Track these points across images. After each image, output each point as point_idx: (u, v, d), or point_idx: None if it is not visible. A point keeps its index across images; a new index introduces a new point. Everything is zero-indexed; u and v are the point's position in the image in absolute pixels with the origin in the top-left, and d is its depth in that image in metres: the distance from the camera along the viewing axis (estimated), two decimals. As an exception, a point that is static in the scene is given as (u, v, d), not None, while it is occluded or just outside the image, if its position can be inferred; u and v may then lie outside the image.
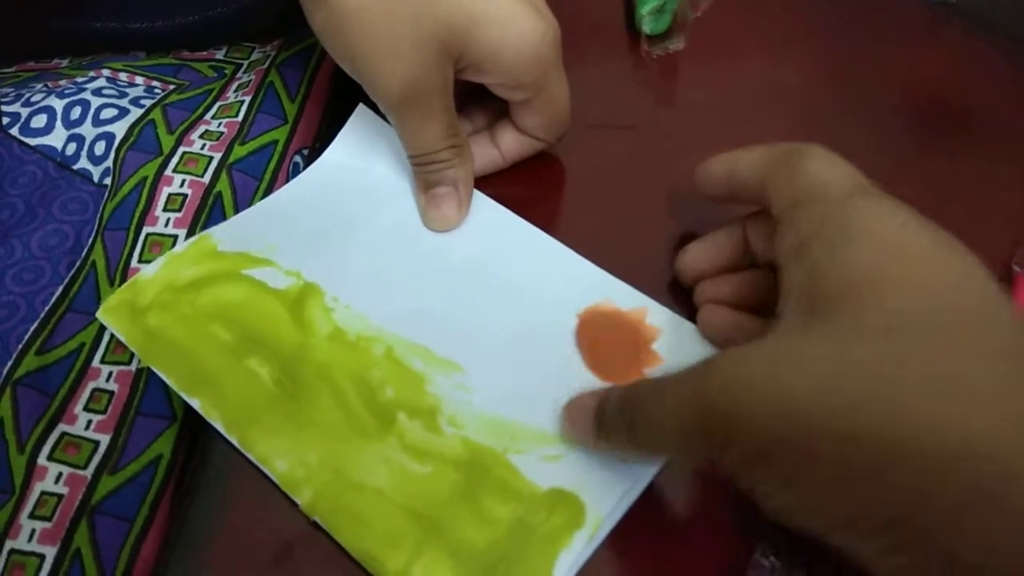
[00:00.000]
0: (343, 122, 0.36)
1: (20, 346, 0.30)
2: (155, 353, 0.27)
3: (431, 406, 0.26)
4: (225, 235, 0.30)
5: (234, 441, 0.25)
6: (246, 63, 0.42)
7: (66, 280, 0.32)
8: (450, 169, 0.31)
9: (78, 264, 0.32)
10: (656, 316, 0.29)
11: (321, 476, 0.25)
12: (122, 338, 0.27)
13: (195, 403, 0.26)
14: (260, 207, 0.32)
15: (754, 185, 0.26)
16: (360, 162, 0.35)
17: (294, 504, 0.25)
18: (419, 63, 0.28)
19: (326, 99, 0.40)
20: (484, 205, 0.33)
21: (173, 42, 0.43)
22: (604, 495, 0.24)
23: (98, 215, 0.33)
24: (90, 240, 0.33)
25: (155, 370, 0.26)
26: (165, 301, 0.28)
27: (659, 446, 0.23)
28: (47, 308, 0.31)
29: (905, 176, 0.37)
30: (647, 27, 0.41)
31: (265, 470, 0.25)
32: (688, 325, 0.29)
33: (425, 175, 0.32)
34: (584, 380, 0.27)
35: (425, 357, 0.28)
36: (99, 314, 0.27)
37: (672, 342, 0.28)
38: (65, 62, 0.42)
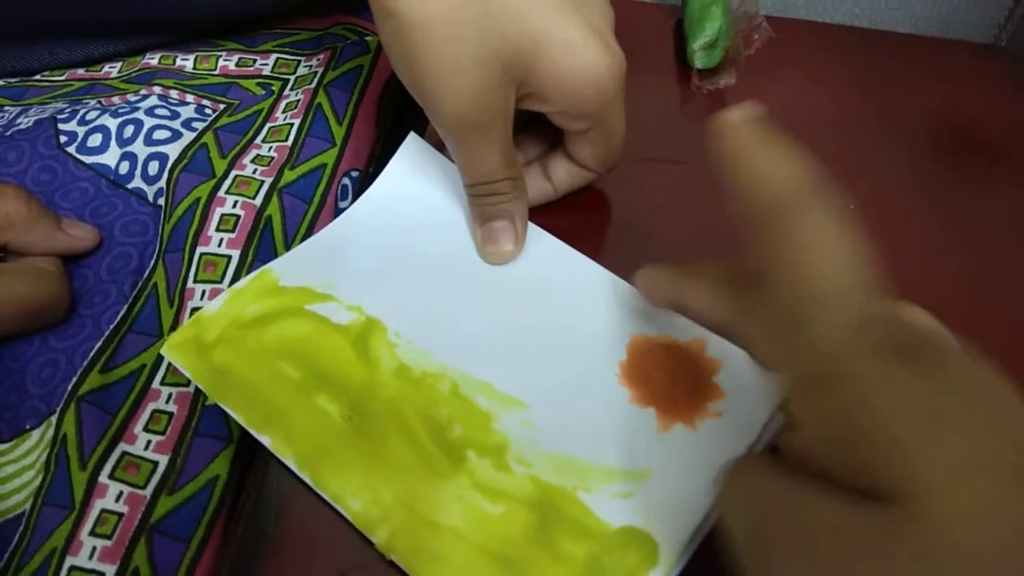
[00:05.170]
0: (397, 143, 0.38)
1: (85, 363, 0.32)
2: (223, 390, 0.28)
3: (499, 444, 0.28)
4: (285, 269, 0.32)
5: (306, 479, 0.27)
6: (292, 79, 0.44)
7: (129, 300, 0.34)
8: (507, 202, 0.33)
9: (140, 285, 0.34)
10: (715, 348, 0.30)
11: (396, 515, 0.26)
12: (188, 375, 0.28)
13: (265, 440, 0.27)
14: (316, 240, 0.34)
15: (716, 325, 0.26)
16: (412, 192, 0.36)
17: (350, 526, 0.27)
18: (482, 83, 0.29)
19: (376, 121, 0.42)
20: (539, 237, 0.35)
21: (207, 14, 0.44)
22: (676, 532, 0.26)
23: (158, 236, 0.36)
24: (152, 262, 0.35)
25: (224, 408, 0.28)
26: (231, 337, 0.29)
27: None
28: (111, 327, 0.33)
29: (947, 213, 0.39)
30: (698, 62, 0.43)
31: (339, 508, 0.27)
32: (749, 356, 0.30)
33: (482, 207, 0.34)
34: (645, 415, 0.29)
35: (489, 394, 0.29)
36: (164, 351, 0.29)
37: (733, 374, 0.30)
38: (114, 70, 0.45)
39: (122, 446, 0.31)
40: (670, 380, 0.30)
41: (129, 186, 0.38)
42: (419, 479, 0.27)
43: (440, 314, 0.32)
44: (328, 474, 0.27)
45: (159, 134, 0.39)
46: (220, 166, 0.38)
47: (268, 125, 0.40)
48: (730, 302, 0.25)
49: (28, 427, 0.32)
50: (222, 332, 0.30)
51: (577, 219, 0.38)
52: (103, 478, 0.30)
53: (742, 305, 0.24)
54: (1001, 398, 0.18)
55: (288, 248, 0.36)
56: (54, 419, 0.31)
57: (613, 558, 0.26)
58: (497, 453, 0.28)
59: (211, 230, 0.35)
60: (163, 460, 0.31)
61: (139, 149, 0.39)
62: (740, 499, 0.21)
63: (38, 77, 0.45)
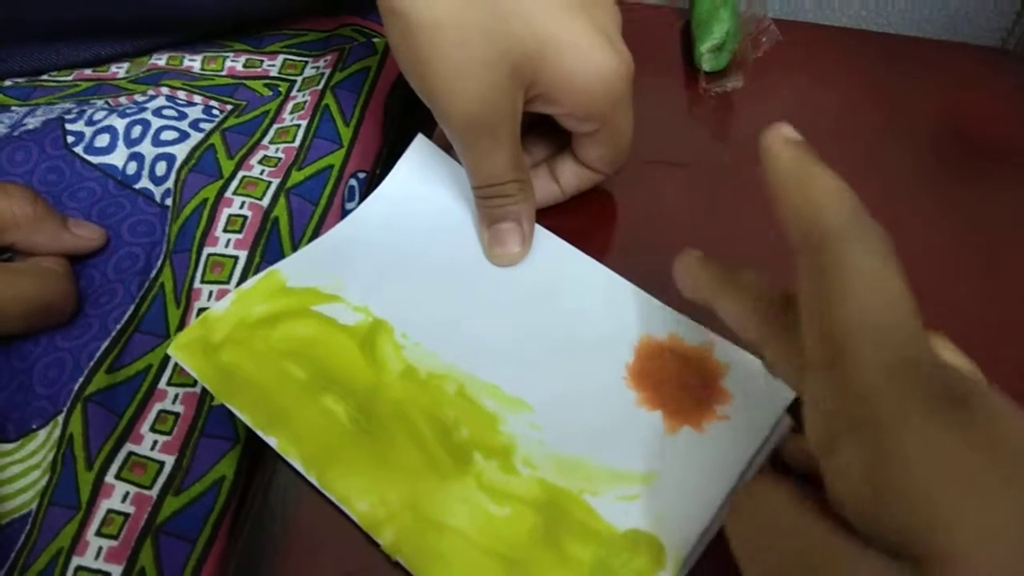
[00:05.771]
0: (404, 144, 0.38)
1: (92, 363, 0.32)
2: (230, 390, 0.28)
3: (505, 446, 0.28)
4: (293, 270, 0.32)
5: (312, 480, 0.27)
6: (300, 80, 0.44)
7: (136, 300, 0.34)
8: (514, 204, 0.33)
9: (147, 285, 0.35)
10: (722, 351, 0.30)
11: (402, 516, 0.26)
12: (195, 375, 0.28)
13: (272, 441, 0.27)
14: (323, 241, 0.34)
15: (746, 341, 0.25)
16: (419, 193, 0.36)
17: (356, 527, 0.27)
18: (490, 84, 0.30)
19: (383, 123, 0.42)
20: (546, 239, 0.35)
21: (214, 15, 0.45)
22: (682, 535, 0.26)
23: (165, 237, 0.36)
24: (159, 262, 0.35)
25: (231, 408, 0.28)
26: (238, 338, 0.29)
27: None
28: (118, 327, 0.33)
29: (954, 217, 0.39)
30: (706, 65, 0.43)
31: (345, 509, 0.27)
32: (757, 361, 0.30)
33: (489, 209, 0.34)
34: (651, 418, 0.29)
35: (495, 396, 0.29)
36: (170, 351, 0.29)
37: (740, 377, 0.30)
38: (121, 71, 0.45)
39: (128, 446, 0.31)
40: (677, 383, 0.30)
41: (136, 186, 0.38)
42: (425, 480, 0.27)
43: (447, 316, 0.32)
44: (334, 475, 0.27)
45: (166, 135, 0.39)
46: (227, 167, 0.38)
47: (275, 126, 0.41)
48: (763, 322, 0.24)
49: (34, 427, 0.32)
50: (229, 332, 0.30)
51: (584, 221, 0.38)
52: (109, 478, 0.30)
53: (775, 329, 0.24)
54: None
55: (295, 249, 0.36)
56: (60, 419, 0.31)
57: (619, 561, 0.26)
58: (503, 455, 0.28)
59: (218, 231, 0.35)
60: (169, 460, 0.31)
61: (146, 149, 0.39)
62: (755, 532, 0.20)
63: (45, 77, 0.45)
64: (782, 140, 0.23)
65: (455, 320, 0.32)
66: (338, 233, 0.35)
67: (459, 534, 0.26)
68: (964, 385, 0.18)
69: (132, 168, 0.38)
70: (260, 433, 0.28)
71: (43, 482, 0.31)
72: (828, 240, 0.21)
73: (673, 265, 0.29)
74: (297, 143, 0.39)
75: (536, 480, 0.27)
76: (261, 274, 0.32)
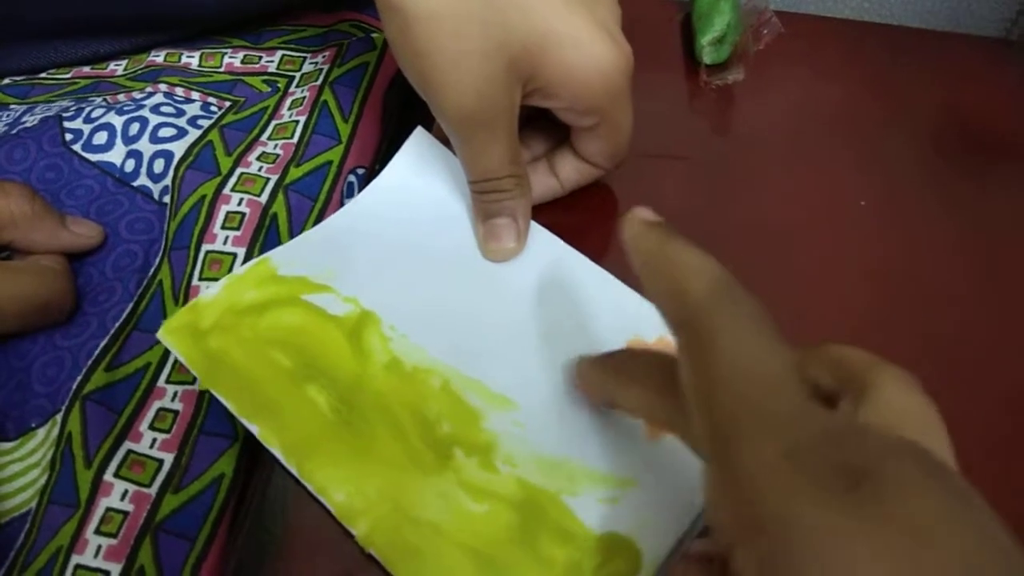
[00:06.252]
0: (403, 140, 0.38)
1: (90, 361, 0.32)
2: (216, 376, 0.28)
3: (487, 443, 0.28)
4: (284, 259, 0.32)
5: (292, 469, 0.27)
6: (298, 76, 0.44)
7: (135, 298, 0.34)
8: (510, 200, 0.33)
9: (145, 283, 0.34)
10: None
11: (378, 508, 0.26)
12: (183, 359, 0.28)
13: (254, 429, 0.27)
14: (318, 230, 0.34)
15: (661, 424, 0.24)
16: (416, 186, 0.36)
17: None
18: (486, 77, 0.29)
19: (382, 119, 0.42)
20: (541, 235, 0.35)
21: (213, 12, 0.44)
22: (660, 540, 0.26)
23: (163, 234, 0.36)
24: (157, 260, 0.35)
25: (215, 394, 0.28)
26: (226, 324, 0.29)
27: None
28: (116, 325, 0.33)
29: (956, 209, 0.39)
30: (707, 57, 0.43)
31: (322, 500, 0.26)
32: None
33: (485, 204, 0.33)
34: (633, 423, 0.29)
35: (480, 392, 0.29)
36: (160, 334, 0.29)
37: None
38: (120, 68, 0.45)
39: (127, 444, 0.30)
40: None
41: (135, 184, 0.38)
42: (405, 474, 0.27)
43: (436, 309, 0.32)
44: (313, 465, 0.27)
45: (165, 132, 0.39)
46: (226, 163, 0.38)
47: (274, 122, 0.40)
48: (667, 408, 0.23)
49: (34, 425, 0.32)
50: (218, 319, 0.29)
51: (584, 216, 0.37)
52: (108, 476, 0.30)
53: (681, 417, 0.22)
54: (946, 531, 0.16)
55: (294, 247, 0.36)
56: (59, 417, 0.31)
57: (594, 563, 0.25)
58: (484, 452, 0.28)
59: (216, 228, 0.35)
60: (168, 458, 0.31)
61: (145, 147, 0.39)
62: None
63: (44, 75, 0.45)
64: (640, 223, 0.22)
65: (444, 314, 0.32)
66: (333, 223, 0.35)
67: (435, 529, 0.26)
68: (863, 455, 0.17)
69: (130, 165, 0.38)
70: (243, 420, 0.27)
71: (42, 480, 0.30)
72: (694, 316, 0.20)
73: (573, 373, 0.29)
74: (295, 139, 0.39)
75: (515, 478, 0.27)
76: (253, 261, 0.31)
